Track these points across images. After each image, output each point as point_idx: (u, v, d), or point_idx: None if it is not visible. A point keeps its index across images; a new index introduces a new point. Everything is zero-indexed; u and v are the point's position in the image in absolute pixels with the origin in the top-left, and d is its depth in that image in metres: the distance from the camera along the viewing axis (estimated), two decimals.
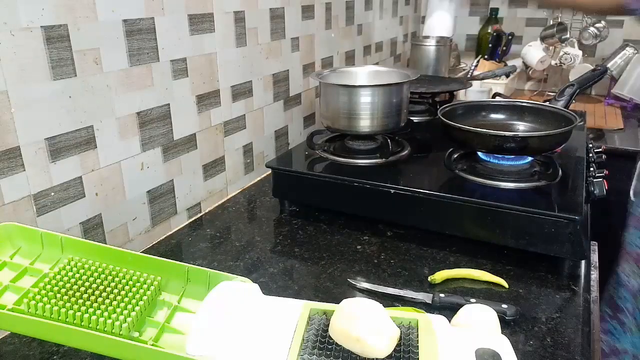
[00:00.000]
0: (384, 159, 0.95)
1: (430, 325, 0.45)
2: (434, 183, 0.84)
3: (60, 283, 0.46)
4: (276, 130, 1.18)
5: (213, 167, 0.98)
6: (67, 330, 0.42)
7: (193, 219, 0.94)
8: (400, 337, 0.43)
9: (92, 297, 0.45)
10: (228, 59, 0.96)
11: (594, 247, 0.97)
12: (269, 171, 1.03)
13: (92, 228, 0.74)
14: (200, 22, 0.88)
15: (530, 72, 1.87)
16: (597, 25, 1.79)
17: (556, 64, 1.76)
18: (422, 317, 0.46)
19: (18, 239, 0.51)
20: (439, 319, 0.47)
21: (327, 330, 0.43)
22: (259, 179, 1.12)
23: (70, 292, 0.45)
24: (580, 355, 0.58)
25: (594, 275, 0.86)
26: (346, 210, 0.90)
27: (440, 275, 0.71)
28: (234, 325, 0.44)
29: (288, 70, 1.17)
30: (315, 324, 0.45)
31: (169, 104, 0.84)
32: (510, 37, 1.82)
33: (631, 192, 1.19)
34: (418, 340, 0.43)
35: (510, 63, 1.80)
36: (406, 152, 0.99)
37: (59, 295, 0.45)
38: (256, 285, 0.49)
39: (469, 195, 0.78)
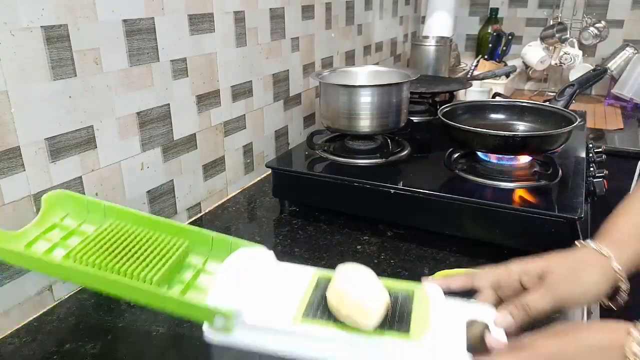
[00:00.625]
0: (384, 159, 0.95)
1: (426, 295, 0.48)
2: (434, 183, 0.84)
3: (102, 242, 0.52)
4: (276, 130, 1.18)
5: (213, 167, 0.98)
6: (106, 279, 0.48)
7: (193, 219, 0.94)
8: (397, 304, 0.46)
9: (129, 254, 0.51)
10: (228, 59, 0.96)
11: None
12: (269, 171, 1.03)
13: None
14: (200, 22, 0.88)
15: (530, 72, 1.87)
16: (597, 25, 1.79)
17: (556, 64, 1.76)
18: (418, 286, 0.50)
19: (68, 205, 0.57)
20: (434, 289, 0.49)
21: None
22: (259, 179, 1.12)
23: (110, 249, 0.51)
24: None
25: None
26: (346, 210, 0.90)
27: (440, 275, 0.71)
28: (250, 285, 0.49)
29: (288, 70, 1.17)
30: (321, 288, 0.49)
31: (169, 104, 0.84)
32: (510, 37, 1.82)
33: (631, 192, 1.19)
34: (412, 309, 0.46)
35: (510, 63, 1.80)
36: (406, 152, 0.99)
37: (100, 251, 0.51)
38: (271, 252, 0.53)
39: (469, 195, 0.79)
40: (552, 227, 0.72)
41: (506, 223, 0.76)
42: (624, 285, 0.51)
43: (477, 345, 0.44)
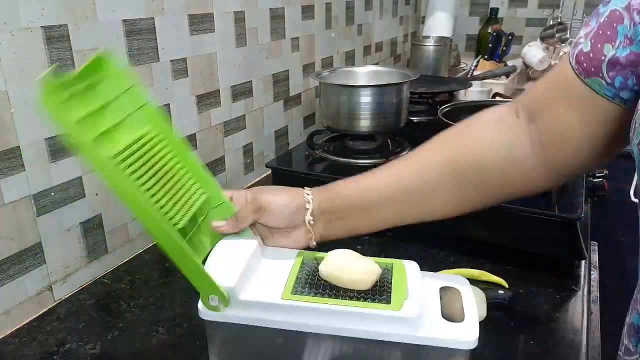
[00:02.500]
0: (384, 159, 0.95)
1: (403, 268, 0.53)
2: None
3: (142, 151, 0.49)
4: (276, 130, 1.18)
5: (213, 167, 0.98)
6: (142, 208, 0.48)
7: None
8: (380, 275, 0.51)
9: (162, 181, 0.50)
10: (228, 59, 0.96)
11: (594, 247, 0.98)
12: (269, 171, 1.03)
13: (92, 228, 0.74)
14: (200, 22, 0.88)
15: (530, 72, 1.87)
16: None
17: (556, 64, 1.76)
18: (396, 262, 0.55)
19: (107, 70, 0.51)
20: (411, 264, 0.54)
21: (317, 271, 0.52)
22: (259, 179, 1.12)
23: (148, 166, 0.49)
24: (581, 355, 0.58)
25: (594, 275, 0.86)
26: None
27: None
28: (240, 266, 0.51)
29: (288, 70, 1.17)
30: (307, 267, 0.53)
31: (169, 104, 0.84)
32: (510, 37, 1.82)
33: (631, 192, 1.19)
34: (392, 279, 0.51)
35: (510, 63, 1.80)
36: (406, 152, 0.99)
37: (140, 163, 0.49)
38: (258, 237, 0.56)
39: None
40: (552, 227, 0.72)
41: (506, 223, 0.76)
42: (309, 209, 0.55)
43: (451, 310, 0.48)
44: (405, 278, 0.51)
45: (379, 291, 0.49)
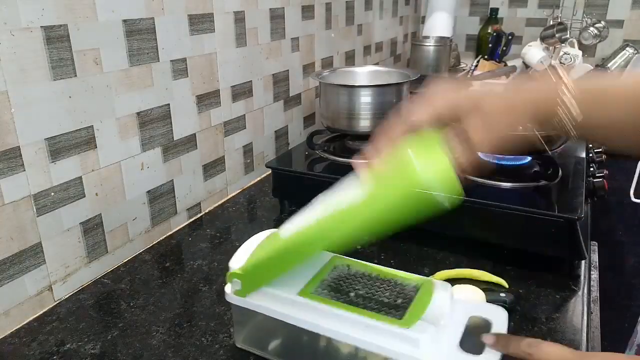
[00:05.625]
0: None
1: (432, 288, 0.51)
2: None
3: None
4: (276, 130, 1.18)
5: (213, 167, 0.98)
6: None
7: (193, 219, 0.94)
8: (403, 292, 0.50)
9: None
10: (228, 59, 0.96)
11: (594, 247, 0.97)
12: (269, 171, 1.03)
13: (92, 228, 0.74)
14: (200, 22, 0.88)
15: (530, 72, 1.87)
16: (597, 25, 1.79)
17: (556, 63, 1.76)
18: (428, 281, 0.52)
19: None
20: (443, 285, 0.51)
21: (344, 277, 0.53)
22: (259, 179, 1.12)
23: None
24: None
25: (594, 275, 0.86)
26: None
27: (440, 276, 0.71)
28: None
29: (288, 70, 1.17)
30: (337, 271, 0.54)
31: (169, 104, 0.84)
32: (510, 37, 1.82)
33: (631, 192, 1.19)
34: (415, 297, 0.50)
35: (510, 63, 1.80)
36: None
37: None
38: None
39: (469, 195, 0.78)
40: (552, 227, 0.72)
41: (506, 223, 0.76)
42: None
43: (472, 341, 0.46)
44: (430, 298, 0.49)
45: (397, 306, 0.49)
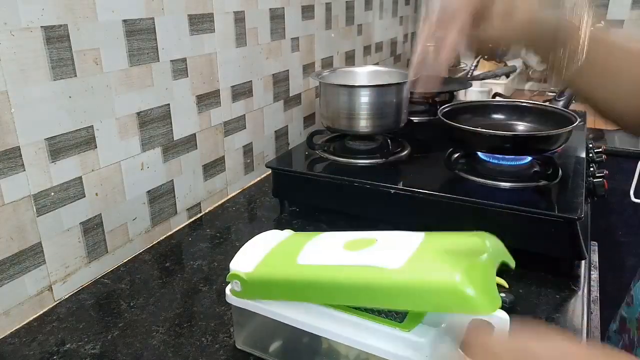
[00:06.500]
0: (384, 159, 0.95)
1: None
2: (434, 183, 0.84)
3: None
4: (276, 130, 1.18)
5: (213, 167, 0.98)
6: None
7: (193, 219, 0.94)
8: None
9: None
10: (228, 59, 0.96)
11: (594, 247, 0.98)
12: (269, 171, 1.03)
13: (92, 228, 0.74)
14: (200, 22, 0.88)
15: (530, 72, 1.87)
16: (597, 25, 1.79)
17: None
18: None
19: None
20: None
21: None
22: (259, 179, 1.12)
23: None
24: None
25: (594, 275, 0.86)
26: (346, 210, 0.90)
27: None
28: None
29: (288, 70, 1.17)
30: None
31: (169, 104, 0.84)
32: None
33: (631, 192, 1.19)
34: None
35: (510, 63, 1.80)
36: (406, 152, 0.99)
37: None
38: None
39: (469, 195, 0.78)
40: (552, 227, 0.72)
41: (506, 223, 0.76)
42: None
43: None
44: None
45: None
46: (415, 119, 1.22)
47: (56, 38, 0.64)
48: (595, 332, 0.78)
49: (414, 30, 2.09)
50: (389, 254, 0.46)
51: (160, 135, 0.84)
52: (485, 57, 1.83)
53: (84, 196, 0.72)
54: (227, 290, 0.55)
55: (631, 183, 1.25)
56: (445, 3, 0.48)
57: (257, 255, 0.55)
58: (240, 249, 0.57)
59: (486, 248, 0.46)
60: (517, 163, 0.88)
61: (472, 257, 0.44)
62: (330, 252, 0.50)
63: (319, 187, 0.90)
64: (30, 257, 0.65)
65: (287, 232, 0.61)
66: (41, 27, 0.62)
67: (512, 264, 0.47)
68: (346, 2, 1.41)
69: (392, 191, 0.83)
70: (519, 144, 0.82)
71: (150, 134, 0.81)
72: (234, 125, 1.02)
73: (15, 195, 0.62)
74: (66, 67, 0.66)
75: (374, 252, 0.47)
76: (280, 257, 0.53)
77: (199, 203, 0.96)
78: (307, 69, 1.25)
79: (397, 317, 0.47)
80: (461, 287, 0.39)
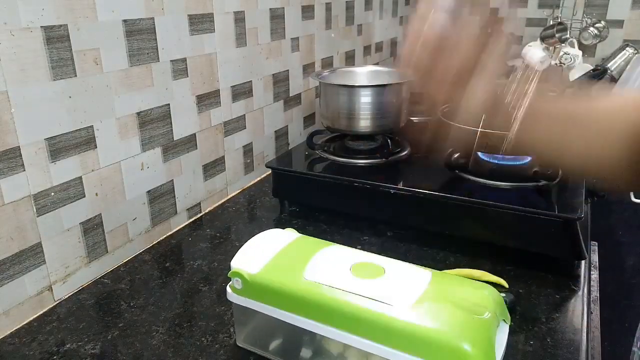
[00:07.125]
0: (384, 159, 0.95)
1: None
2: (434, 183, 0.84)
3: None
4: (276, 130, 1.18)
5: (213, 167, 0.98)
6: None
7: (193, 219, 0.94)
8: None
9: None
10: (228, 59, 0.96)
11: (594, 247, 0.97)
12: (269, 171, 1.03)
13: (92, 228, 0.74)
14: (200, 22, 0.88)
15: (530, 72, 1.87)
16: (597, 25, 1.79)
17: (556, 64, 1.76)
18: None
19: None
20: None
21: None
22: (259, 179, 1.12)
23: None
24: (581, 355, 0.58)
25: (594, 275, 0.86)
26: (346, 210, 0.90)
27: None
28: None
29: (288, 70, 1.17)
30: None
31: (169, 104, 0.84)
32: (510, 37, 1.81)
33: (631, 192, 1.19)
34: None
35: (510, 63, 1.80)
36: (406, 152, 0.99)
37: None
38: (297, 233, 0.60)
39: (469, 195, 0.78)
40: (552, 227, 0.72)
41: (506, 223, 0.76)
42: None
43: None
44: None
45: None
46: (415, 119, 1.22)
47: (56, 38, 0.64)
48: (596, 332, 0.78)
49: None
50: (397, 291, 0.48)
51: (160, 135, 0.84)
52: None
53: (84, 196, 0.72)
54: (228, 287, 0.55)
55: None
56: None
57: (261, 256, 0.55)
58: (242, 246, 0.57)
59: (490, 305, 0.47)
60: (517, 163, 0.87)
61: (478, 313, 0.46)
62: (337, 273, 0.51)
63: (319, 187, 0.90)
64: (30, 257, 0.65)
65: (290, 231, 0.61)
66: (41, 27, 0.62)
67: (509, 321, 0.51)
68: (346, 2, 1.41)
69: (392, 191, 0.83)
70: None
71: (150, 134, 0.81)
72: (234, 125, 1.02)
73: (15, 195, 0.62)
74: (66, 67, 0.66)
75: (381, 285, 0.49)
76: (287, 266, 0.54)
77: (199, 203, 0.96)
78: (307, 69, 1.25)
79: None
80: (467, 354, 0.42)
